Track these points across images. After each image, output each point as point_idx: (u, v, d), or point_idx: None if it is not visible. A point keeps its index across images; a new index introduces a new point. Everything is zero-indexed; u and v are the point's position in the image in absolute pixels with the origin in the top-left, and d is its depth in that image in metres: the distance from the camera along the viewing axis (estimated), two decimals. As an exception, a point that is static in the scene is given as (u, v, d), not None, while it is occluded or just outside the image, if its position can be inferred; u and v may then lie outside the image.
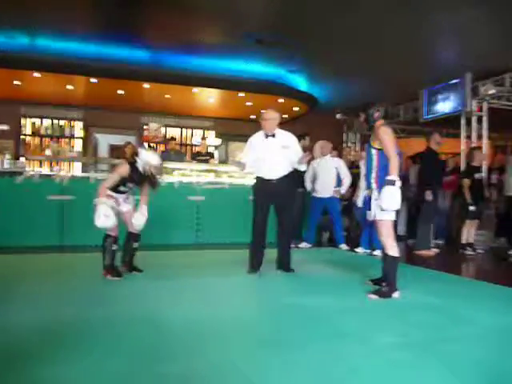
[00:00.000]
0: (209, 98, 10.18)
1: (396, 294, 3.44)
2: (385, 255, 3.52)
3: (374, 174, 3.54)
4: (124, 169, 3.97)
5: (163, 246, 6.08)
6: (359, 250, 6.20)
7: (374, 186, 3.53)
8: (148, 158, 4.03)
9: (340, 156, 7.66)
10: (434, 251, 6.29)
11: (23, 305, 3.05)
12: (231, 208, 6.71)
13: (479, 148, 7.08)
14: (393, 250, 3.46)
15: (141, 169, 4.03)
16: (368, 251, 6.14)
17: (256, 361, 2.11)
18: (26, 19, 6.61)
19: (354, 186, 6.61)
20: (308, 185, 6.65)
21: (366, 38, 6.96)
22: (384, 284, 3.60)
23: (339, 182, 6.50)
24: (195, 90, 9.42)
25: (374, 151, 3.56)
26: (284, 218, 4.38)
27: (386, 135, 3.47)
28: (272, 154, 4.30)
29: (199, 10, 6.22)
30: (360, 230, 6.55)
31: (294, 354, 2.19)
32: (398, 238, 7.72)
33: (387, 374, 1.98)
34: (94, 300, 3.25)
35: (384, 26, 6.54)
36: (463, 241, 6.56)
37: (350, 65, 8.24)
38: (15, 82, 8.82)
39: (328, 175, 6.45)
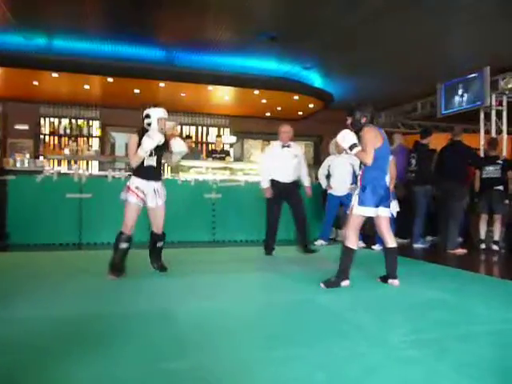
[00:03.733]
0: (224, 95, 10.18)
1: (346, 283, 3.63)
2: (344, 246, 3.68)
3: (360, 172, 3.76)
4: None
5: (179, 244, 6.13)
6: (375, 247, 6.16)
7: (358, 183, 3.76)
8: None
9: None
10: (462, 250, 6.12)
11: (45, 300, 3.12)
12: (247, 206, 6.73)
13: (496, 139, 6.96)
14: (352, 242, 3.64)
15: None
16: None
17: (265, 357, 2.11)
18: (44, 21, 6.72)
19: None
20: (322, 182, 6.62)
21: (380, 33, 6.87)
22: (390, 281, 3.76)
23: (354, 179, 6.46)
24: (210, 88, 9.43)
25: None
26: (299, 210, 5.49)
27: (367, 134, 3.62)
28: (287, 161, 5.43)
29: (213, 8, 6.24)
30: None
31: (305, 351, 2.18)
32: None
33: (400, 372, 1.96)
34: (111, 297, 3.30)
35: (399, 21, 6.46)
36: (482, 236, 6.38)
37: (365, 60, 8.16)
38: (34, 83, 8.97)
39: (343, 172, 6.40)
